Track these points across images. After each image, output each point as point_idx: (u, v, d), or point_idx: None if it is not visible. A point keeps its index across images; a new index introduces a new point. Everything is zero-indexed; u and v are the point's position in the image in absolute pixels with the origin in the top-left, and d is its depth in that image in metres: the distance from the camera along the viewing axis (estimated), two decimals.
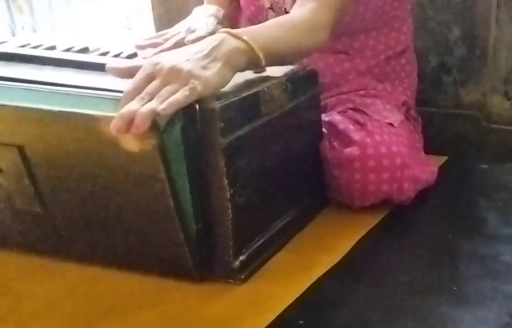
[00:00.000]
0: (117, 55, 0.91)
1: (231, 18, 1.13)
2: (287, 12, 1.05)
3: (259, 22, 1.08)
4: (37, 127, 0.73)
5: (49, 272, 0.81)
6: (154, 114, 0.65)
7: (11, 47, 0.91)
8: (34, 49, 0.90)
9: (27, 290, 0.78)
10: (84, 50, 0.92)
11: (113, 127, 0.64)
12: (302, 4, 0.89)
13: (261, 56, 0.77)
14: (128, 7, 1.86)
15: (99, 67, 0.83)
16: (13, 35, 1.48)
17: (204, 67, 0.70)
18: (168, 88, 0.67)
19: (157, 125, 0.65)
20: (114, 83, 0.76)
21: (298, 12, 0.88)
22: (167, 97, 0.66)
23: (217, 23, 1.03)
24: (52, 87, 0.75)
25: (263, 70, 0.80)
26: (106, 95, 0.72)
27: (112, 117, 0.65)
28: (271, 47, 0.79)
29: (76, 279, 0.79)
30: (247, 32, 0.78)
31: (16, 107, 0.72)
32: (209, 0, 1.15)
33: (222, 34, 0.75)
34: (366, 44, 1.06)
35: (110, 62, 0.75)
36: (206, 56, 0.71)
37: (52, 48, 0.92)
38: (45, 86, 0.76)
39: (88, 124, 0.68)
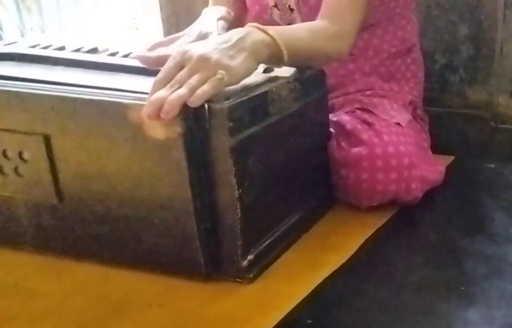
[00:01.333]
0: (126, 56, 0.91)
1: (235, 18, 1.13)
2: (291, 9, 1.06)
3: (264, 21, 1.09)
4: (65, 116, 0.75)
5: (59, 271, 0.82)
6: (183, 101, 0.67)
7: (21, 48, 0.91)
8: (44, 50, 0.91)
9: (37, 288, 0.78)
10: (93, 50, 0.93)
11: (144, 113, 0.67)
12: (324, 16, 0.91)
13: (284, 51, 0.79)
14: (135, 8, 1.86)
15: (109, 68, 0.84)
16: (22, 35, 1.48)
17: (231, 57, 0.72)
18: (196, 77, 0.69)
19: (184, 113, 0.68)
20: (125, 83, 0.76)
21: (320, 22, 0.91)
22: (195, 86, 0.68)
23: (228, 25, 1.03)
24: (62, 88, 0.76)
25: (271, 68, 0.82)
26: (115, 95, 0.73)
27: (140, 105, 0.68)
28: (294, 46, 0.81)
29: (86, 278, 0.80)
30: (273, 28, 0.80)
31: (46, 95, 0.74)
32: (215, 0, 1.17)
33: (248, 27, 0.77)
34: (369, 43, 1.06)
35: (137, 52, 0.77)
36: (233, 46, 0.73)
37: (62, 48, 0.92)
38: (55, 86, 0.77)
39: (116, 112, 0.71)
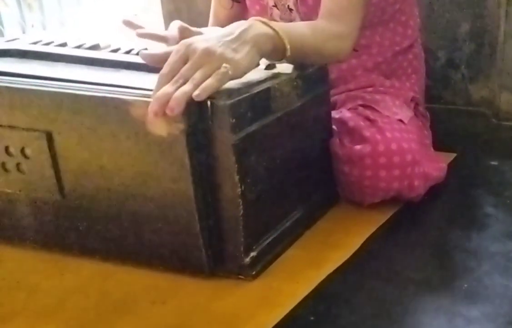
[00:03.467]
0: (128, 52, 0.91)
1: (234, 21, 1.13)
2: (290, 9, 1.06)
3: None
4: (67, 112, 0.74)
5: (61, 267, 0.82)
6: (188, 97, 0.67)
7: (23, 44, 0.91)
8: (46, 46, 0.90)
9: (39, 285, 0.78)
10: (95, 47, 0.92)
11: (150, 110, 0.67)
12: (324, 16, 0.91)
13: (287, 45, 0.78)
14: (136, 4, 1.86)
15: (111, 64, 0.84)
16: (23, 32, 1.48)
17: (234, 50, 0.72)
18: (201, 71, 0.69)
19: (187, 110, 0.67)
20: (127, 79, 0.76)
21: (322, 22, 0.90)
22: (200, 81, 0.68)
23: None
24: (64, 84, 0.76)
25: (273, 65, 0.81)
26: (117, 91, 0.73)
27: (144, 101, 0.68)
28: (297, 40, 0.81)
29: (88, 275, 0.80)
30: (275, 23, 0.80)
31: (49, 92, 0.74)
32: (215, 3, 1.17)
33: (251, 20, 0.77)
34: (372, 40, 1.06)
35: (143, 51, 0.77)
36: (236, 39, 0.73)
37: (64, 45, 0.92)
38: (57, 82, 0.76)
39: (118, 109, 0.71)
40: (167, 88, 0.68)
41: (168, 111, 0.66)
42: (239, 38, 0.73)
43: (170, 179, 0.72)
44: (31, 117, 0.76)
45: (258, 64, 0.78)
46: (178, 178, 0.71)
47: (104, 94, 0.72)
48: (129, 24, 0.91)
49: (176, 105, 0.66)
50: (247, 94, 0.74)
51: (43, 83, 0.76)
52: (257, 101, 0.75)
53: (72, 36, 0.96)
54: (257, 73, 0.79)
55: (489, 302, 0.72)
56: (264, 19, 0.78)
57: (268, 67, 0.82)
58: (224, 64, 0.70)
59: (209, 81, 0.68)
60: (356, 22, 0.92)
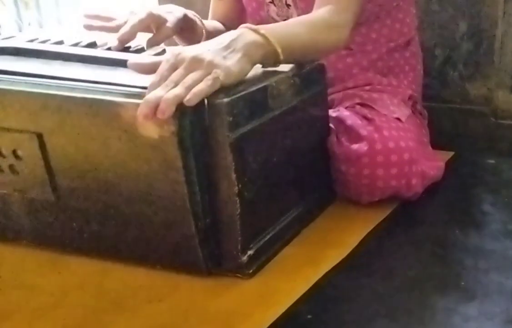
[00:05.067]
0: (126, 49, 0.91)
1: (235, 21, 1.13)
2: (288, 5, 1.05)
3: (261, 18, 1.08)
4: (58, 114, 0.74)
5: (58, 265, 0.81)
6: (179, 100, 0.66)
7: (19, 42, 0.91)
8: (42, 44, 0.90)
9: (36, 283, 0.78)
10: (92, 45, 0.92)
11: (140, 114, 0.66)
12: (321, 6, 0.90)
13: (279, 50, 0.78)
14: (133, 3, 1.85)
15: (107, 62, 0.83)
16: (20, 30, 1.48)
17: (225, 57, 0.72)
18: (191, 76, 0.69)
19: (177, 112, 0.67)
20: (123, 77, 0.76)
21: (317, 13, 0.89)
22: (191, 84, 0.68)
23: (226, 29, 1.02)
24: (60, 82, 0.76)
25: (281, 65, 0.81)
26: (115, 89, 0.73)
27: (134, 103, 0.67)
28: (289, 42, 0.80)
29: (85, 273, 0.79)
30: (266, 27, 0.79)
31: (37, 94, 0.74)
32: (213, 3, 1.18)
33: (241, 29, 0.76)
34: (368, 38, 1.06)
35: (131, 58, 0.76)
36: (226, 47, 0.73)
37: (60, 43, 0.92)
38: (53, 80, 0.76)
39: (109, 111, 0.70)
40: (157, 91, 0.67)
41: (159, 115, 0.65)
42: (229, 47, 0.73)
43: (163, 180, 0.72)
44: (21, 118, 0.75)
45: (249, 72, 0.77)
46: (171, 179, 0.71)
47: (94, 95, 0.71)
48: (94, 17, 0.92)
49: (167, 108, 0.65)
50: (244, 93, 0.73)
51: (34, 84, 0.75)
52: (254, 99, 0.75)
53: (69, 34, 0.95)
54: (254, 71, 0.79)
55: (487, 299, 0.72)
56: (254, 26, 0.77)
57: (276, 64, 0.82)
58: (214, 70, 0.69)
59: (200, 86, 0.68)
60: (353, 10, 0.91)
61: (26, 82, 0.76)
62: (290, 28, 0.84)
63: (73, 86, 0.74)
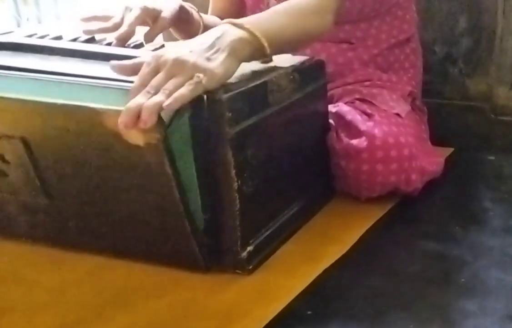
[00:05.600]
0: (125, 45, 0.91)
1: (233, 12, 1.12)
2: None
3: (261, 11, 1.08)
4: (41, 120, 0.72)
5: (57, 262, 0.81)
6: (160, 108, 0.64)
7: (17, 37, 0.90)
8: (41, 39, 0.89)
9: (35, 280, 0.78)
10: (91, 40, 0.92)
11: (120, 123, 0.64)
12: None
13: (265, 44, 0.76)
14: None
15: (106, 57, 0.83)
16: (18, 26, 1.47)
17: (208, 59, 0.70)
18: (173, 81, 0.67)
19: (161, 119, 0.65)
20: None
21: None
22: (172, 91, 0.66)
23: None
24: (59, 77, 0.75)
25: (270, 58, 0.80)
26: (114, 85, 0.72)
27: (116, 110, 0.65)
28: (275, 34, 0.78)
29: (84, 270, 0.79)
30: (250, 21, 0.77)
31: (20, 100, 0.72)
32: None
33: (225, 25, 0.74)
34: (368, 33, 1.06)
35: (113, 61, 0.74)
36: (210, 47, 0.71)
37: (59, 38, 0.91)
38: (52, 76, 0.76)
39: (92, 118, 0.68)
40: (138, 99, 0.65)
41: (141, 125, 0.63)
42: (213, 46, 0.71)
43: (154, 184, 0.70)
44: (5, 124, 0.74)
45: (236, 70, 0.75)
46: (162, 184, 0.70)
47: (75, 102, 0.69)
48: (91, 19, 0.92)
49: (148, 117, 0.63)
50: (243, 88, 0.73)
51: (17, 88, 0.73)
52: (253, 95, 0.75)
53: (68, 29, 0.95)
54: (254, 67, 0.78)
55: (486, 296, 0.72)
56: (238, 21, 0.75)
57: (264, 61, 0.82)
58: (197, 74, 0.67)
59: (181, 91, 0.66)
60: None
61: (7, 87, 0.74)
62: (275, 19, 0.82)
63: (58, 86, 0.73)
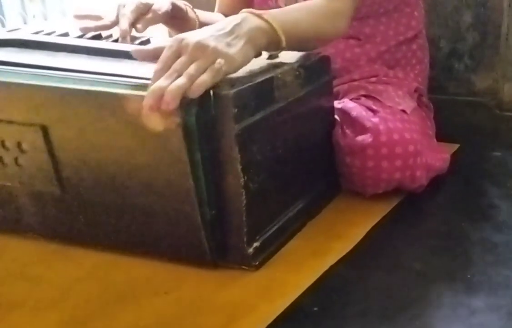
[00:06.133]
0: (131, 41, 0.91)
1: (241, 9, 1.12)
2: None
3: (269, 8, 1.08)
4: (62, 107, 0.74)
5: (64, 258, 0.82)
6: (183, 91, 0.66)
7: (24, 34, 0.90)
8: (48, 36, 0.90)
9: (42, 276, 0.78)
10: (97, 36, 0.92)
11: (145, 105, 0.65)
12: None
13: (282, 37, 0.77)
14: None
15: (112, 54, 0.83)
16: (25, 23, 1.48)
17: (228, 44, 0.71)
18: (195, 65, 0.68)
19: (182, 104, 0.66)
20: (128, 68, 0.76)
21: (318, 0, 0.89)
22: (194, 75, 0.67)
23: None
24: (66, 73, 0.75)
25: (276, 55, 0.81)
26: (121, 81, 0.72)
27: (137, 96, 0.67)
28: (291, 29, 0.79)
29: (91, 265, 0.80)
30: (269, 13, 0.78)
31: (42, 86, 0.73)
32: None
33: (244, 14, 0.75)
34: (376, 30, 1.06)
35: (134, 47, 0.76)
36: (229, 33, 0.72)
37: (65, 34, 0.92)
38: (59, 72, 0.76)
39: (114, 104, 0.70)
40: (161, 82, 0.66)
41: (163, 106, 0.65)
42: (233, 32, 0.72)
43: (168, 172, 0.71)
44: (26, 111, 0.75)
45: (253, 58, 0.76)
46: (177, 172, 0.71)
47: (98, 88, 0.71)
48: (84, 17, 0.92)
49: (171, 99, 0.65)
50: (250, 84, 0.73)
51: (38, 76, 0.75)
52: (260, 91, 0.75)
53: (74, 26, 0.95)
54: (260, 63, 0.78)
55: (492, 292, 0.72)
56: (257, 11, 0.76)
57: (271, 57, 0.82)
58: (218, 60, 0.68)
59: (203, 77, 0.67)
60: None
61: (30, 74, 0.76)
62: (292, 15, 0.83)
63: (78, 78, 0.74)
